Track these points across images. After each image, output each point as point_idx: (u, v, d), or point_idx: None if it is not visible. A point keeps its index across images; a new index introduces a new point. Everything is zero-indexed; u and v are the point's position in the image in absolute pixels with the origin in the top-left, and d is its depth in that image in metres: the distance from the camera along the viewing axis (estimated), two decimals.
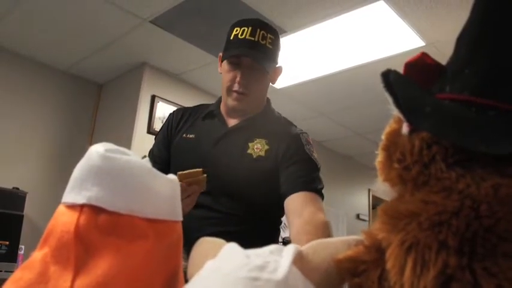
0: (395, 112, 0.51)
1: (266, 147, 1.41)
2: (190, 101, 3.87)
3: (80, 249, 0.52)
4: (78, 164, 0.58)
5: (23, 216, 3.28)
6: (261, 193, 1.35)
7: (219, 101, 1.57)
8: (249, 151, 1.41)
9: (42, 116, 3.97)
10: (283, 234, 3.90)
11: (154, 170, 0.60)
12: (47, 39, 3.60)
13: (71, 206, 0.55)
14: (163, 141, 1.52)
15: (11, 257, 3.09)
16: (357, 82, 3.90)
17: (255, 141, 1.42)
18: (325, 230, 1.21)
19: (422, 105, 0.49)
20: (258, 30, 1.40)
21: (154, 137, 1.65)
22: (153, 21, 3.23)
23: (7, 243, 3.10)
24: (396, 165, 0.50)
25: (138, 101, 3.83)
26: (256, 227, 1.37)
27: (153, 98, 3.92)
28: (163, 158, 1.50)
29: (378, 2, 2.84)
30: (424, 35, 3.16)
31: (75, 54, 3.84)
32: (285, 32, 3.19)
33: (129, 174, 0.56)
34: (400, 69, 0.56)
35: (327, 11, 2.98)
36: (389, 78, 0.52)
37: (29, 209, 3.44)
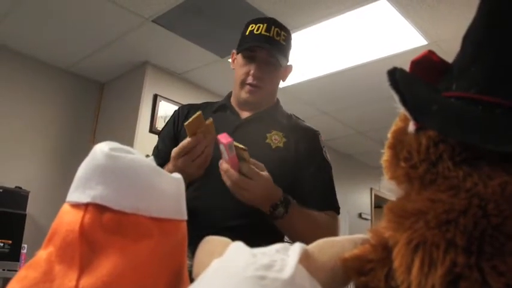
0: (402, 110, 0.51)
1: (284, 139, 1.43)
2: (192, 100, 3.84)
3: (84, 248, 0.52)
4: (83, 163, 0.58)
5: (25, 215, 3.28)
6: (277, 183, 1.34)
7: (229, 96, 1.59)
8: (268, 141, 1.42)
9: (45, 115, 3.97)
10: None
11: (159, 169, 0.59)
12: (49, 38, 3.61)
13: (76, 205, 0.55)
14: (169, 136, 1.52)
15: (14, 256, 3.10)
16: (360, 81, 3.90)
17: (273, 133, 1.44)
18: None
19: (429, 103, 0.49)
20: (273, 27, 1.44)
21: (157, 136, 1.65)
22: (155, 20, 3.23)
23: (10, 242, 3.10)
24: (403, 164, 0.50)
25: (140, 100, 3.84)
26: (263, 222, 1.36)
27: (155, 97, 3.92)
28: (170, 153, 1.50)
29: (380, 1, 2.83)
30: (427, 34, 3.15)
31: (77, 53, 3.84)
32: None
33: (134, 172, 0.56)
34: (403, 68, 0.56)
35: (330, 10, 2.97)
36: (395, 76, 0.51)
37: (32, 208, 3.44)
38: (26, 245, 3.19)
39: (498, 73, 0.49)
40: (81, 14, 3.23)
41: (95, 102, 4.36)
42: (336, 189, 1.47)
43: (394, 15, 2.97)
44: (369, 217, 6.26)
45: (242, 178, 1.15)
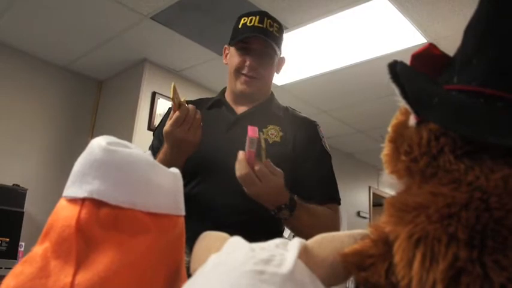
0: (402, 103, 0.50)
1: (280, 133, 1.42)
2: (191, 97, 3.84)
3: (81, 244, 0.52)
4: (80, 157, 0.57)
5: (23, 213, 3.28)
6: None
7: (223, 91, 1.57)
8: (264, 136, 1.41)
9: (43, 112, 3.96)
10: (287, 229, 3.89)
11: (157, 163, 0.59)
12: (47, 36, 3.59)
13: (72, 200, 0.54)
14: None
15: (11, 253, 3.09)
16: (359, 79, 3.89)
17: (269, 127, 1.43)
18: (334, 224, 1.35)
19: (430, 96, 0.48)
20: (266, 18, 1.44)
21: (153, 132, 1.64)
22: (154, 18, 3.22)
23: (7, 240, 3.10)
24: (403, 157, 0.49)
25: (138, 98, 3.83)
26: (263, 217, 1.36)
27: (153, 94, 3.91)
28: None
29: None
30: (426, 32, 3.15)
31: (76, 51, 3.83)
32: (286, 28, 3.17)
33: (131, 167, 0.56)
34: (403, 62, 0.55)
35: (328, 8, 2.97)
36: (396, 69, 0.51)
37: (29, 206, 3.43)
38: (23, 243, 3.19)
39: (499, 66, 0.49)
40: (79, 12, 3.22)
41: (93, 99, 4.35)
42: None
43: (393, 13, 2.97)
44: (367, 215, 6.27)
45: (251, 175, 1.14)
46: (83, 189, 0.54)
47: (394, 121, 0.54)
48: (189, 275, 0.55)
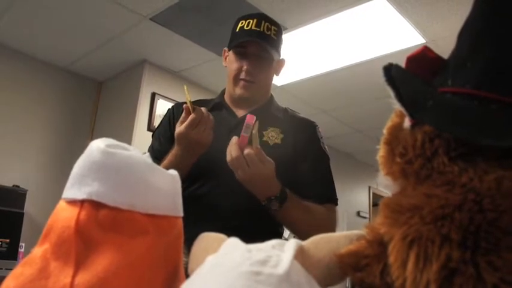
0: (397, 106, 0.51)
1: (281, 135, 1.43)
2: (192, 98, 3.85)
3: (80, 245, 0.52)
4: (79, 160, 0.58)
5: (23, 214, 3.28)
6: (277, 180, 1.34)
7: (223, 93, 1.58)
8: (265, 139, 1.42)
9: (42, 113, 3.96)
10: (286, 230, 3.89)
11: (155, 165, 0.59)
12: (46, 37, 3.60)
13: (72, 202, 0.55)
14: (165, 135, 1.50)
15: (12, 254, 3.09)
16: (357, 79, 3.89)
17: (269, 130, 1.43)
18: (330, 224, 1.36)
19: (425, 98, 0.49)
20: (263, 22, 1.44)
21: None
22: (153, 19, 3.22)
23: (7, 241, 3.10)
24: (398, 159, 0.49)
25: (138, 99, 3.83)
26: (265, 219, 1.36)
27: (153, 95, 3.91)
28: (166, 152, 1.49)
29: None
30: (425, 32, 3.15)
31: (75, 52, 3.83)
32: (285, 29, 3.18)
33: (129, 169, 0.56)
34: (398, 64, 0.56)
35: (327, 8, 2.97)
36: (391, 72, 0.51)
37: (30, 207, 3.44)
38: (23, 244, 3.19)
39: (494, 68, 0.49)
40: (78, 13, 3.22)
41: (93, 100, 4.35)
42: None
43: (392, 14, 2.97)
44: (367, 215, 6.27)
45: (240, 158, 1.17)
46: (82, 191, 0.54)
47: (389, 123, 0.54)
48: (187, 276, 0.56)
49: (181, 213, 0.62)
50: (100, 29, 3.43)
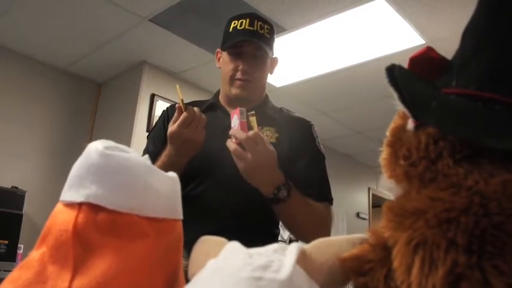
0: (400, 107, 0.50)
1: (276, 134, 1.42)
2: (189, 99, 3.84)
3: (78, 249, 0.52)
4: (77, 162, 0.57)
5: (22, 215, 3.27)
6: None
7: (217, 94, 1.58)
8: None
9: (41, 114, 3.96)
10: (283, 234, 3.88)
11: (155, 168, 0.59)
12: (45, 38, 3.59)
13: (69, 204, 0.54)
14: (160, 137, 1.49)
15: (10, 256, 3.08)
16: (357, 80, 3.90)
17: (264, 129, 1.42)
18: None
19: (428, 100, 0.48)
20: (256, 21, 1.44)
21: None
22: (153, 20, 3.22)
23: (6, 242, 3.09)
24: (402, 162, 0.49)
25: (137, 100, 3.83)
26: (262, 219, 1.36)
27: (152, 96, 3.91)
28: (161, 153, 1.49)
29: (378, 0, 2.83)
30: (425, 33, 3.15)
31: (74, 53, 3.83)
32: (284, 30, 3.18)
33: (128, 171, 0.55)
34: (401, 65, 0.55)
35: (327, 9, 2.97)
36: (394, 73, 0.51)
37: (28, 208, 3.43)
38: (22, 245, 3.18)
39: (498, 69, 0.48)
40: (78, 14, 3.22)
41: (92, 102, 4.34)
42: (334, 189, 1.47)
43: (391, 15, 2.97)
44: (367, 217, 6.27)
45: (249, 139, 1.15)
46: (80, 194, 0.54)
47: (392, 125, 0.54)
48: (187, 280, 0.55)
49: (181, 216, 0.62)
50: (99, 30, 3.43)
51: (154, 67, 3.98)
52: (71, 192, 0.55)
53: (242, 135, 1.15)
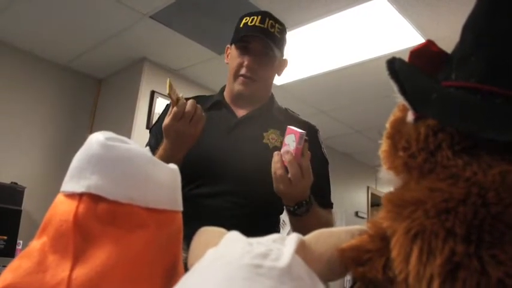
0: (400, 100, 0.50)
1: (281, 138, 1.39)
2: (189, 96, 3.85)
3: (78, 238, 0.52)
4: (78, 153, 0.57)
5: (21, 211, 3.27)
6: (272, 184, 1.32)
7: (222, 91, 1.55)
8: (265, 141, 1.39)
9: (41, 110, 3.95)
10: (283, 232, 3.89)
11: (155, 159, 0.59)
12: (46, 34, 3.59)
13: (70, 195, 0.54)
14: (162, 132, 1.50)
15: (9, 251, 3.08)
16: (357, 79, 3.89)
17: (270, 132, 1.41)
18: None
19: (428, 92, 0.48)
20: (267, 19, 1.42)
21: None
22: (153, 17, 3.22)
23: (5, 238, 3.09)
24: (401, 153, 0.49)
25: (137, 97, 3.82)
26: (260, 222, 1.35)
27: (152, 93, 3.91)
28: None
29: None
30: (425, 32, 3.15)
31: (75, 49, 3.82)
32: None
33: (129, 162, 0.56)
34: (402, 58, 0.55)
35: (328, 8, 2.97)
36: (394, 66, 0.51)
37: (28, 204, 3.43)
38: (21, 241, 3.18)
39: (498, 63, 0.49)
40: (78, 10, 3.22)
41: (92, 98, 4.34)
42: (333, 188, 1.46)
43: (392, 13, 2.97)
44: (366, 216, 6.27)
45: (299, 173, 1.12)
46: (80, 184, 0.54)
47: (392, 117, 0.54)
48: (186, 270, 0.55)
49: (181, 208, 0.62)
50: (100, 27, 3.43)
51: (155, 64, 3.97)
52: (71, 183, 0.55)
53: (295, 166, 1.11)
